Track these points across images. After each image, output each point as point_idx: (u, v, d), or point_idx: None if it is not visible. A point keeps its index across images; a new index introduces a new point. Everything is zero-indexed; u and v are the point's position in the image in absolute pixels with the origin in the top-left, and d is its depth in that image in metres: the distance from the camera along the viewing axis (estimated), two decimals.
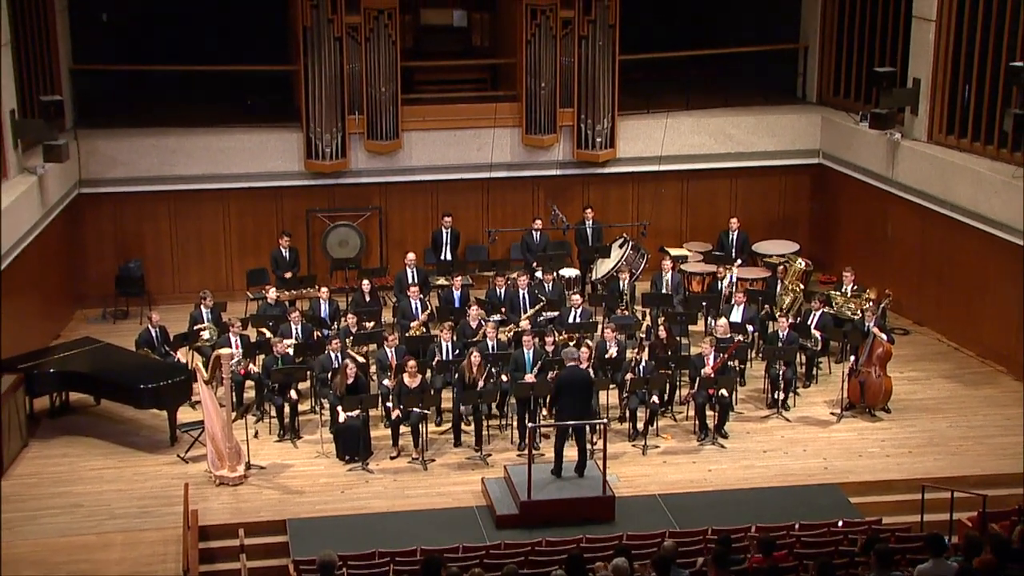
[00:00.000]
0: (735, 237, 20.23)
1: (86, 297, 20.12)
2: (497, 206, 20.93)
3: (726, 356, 16.33)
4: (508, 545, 13.08)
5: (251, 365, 16.85)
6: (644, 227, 20.55)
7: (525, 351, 16.18)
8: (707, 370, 16.18)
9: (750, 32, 22.96)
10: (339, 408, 15.58)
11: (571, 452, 15.05)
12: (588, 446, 15.26)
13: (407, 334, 17.48)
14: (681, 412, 16.74)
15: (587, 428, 15.13)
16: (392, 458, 15.70)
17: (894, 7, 20.28)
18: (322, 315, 17.96)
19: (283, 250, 19.50)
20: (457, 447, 15.92)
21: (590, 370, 15.97)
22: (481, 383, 15.87)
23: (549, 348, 16.38)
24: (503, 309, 18.04)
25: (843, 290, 18.42)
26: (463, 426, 16.07)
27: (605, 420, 15.37)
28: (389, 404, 15.87)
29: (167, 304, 19.66)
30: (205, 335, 17.37)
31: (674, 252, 19.99)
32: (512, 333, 17.26)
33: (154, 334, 17.28)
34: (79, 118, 20.34)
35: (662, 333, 16.89)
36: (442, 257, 19.90)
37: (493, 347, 16.54)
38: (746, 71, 22.63)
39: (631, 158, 20.95)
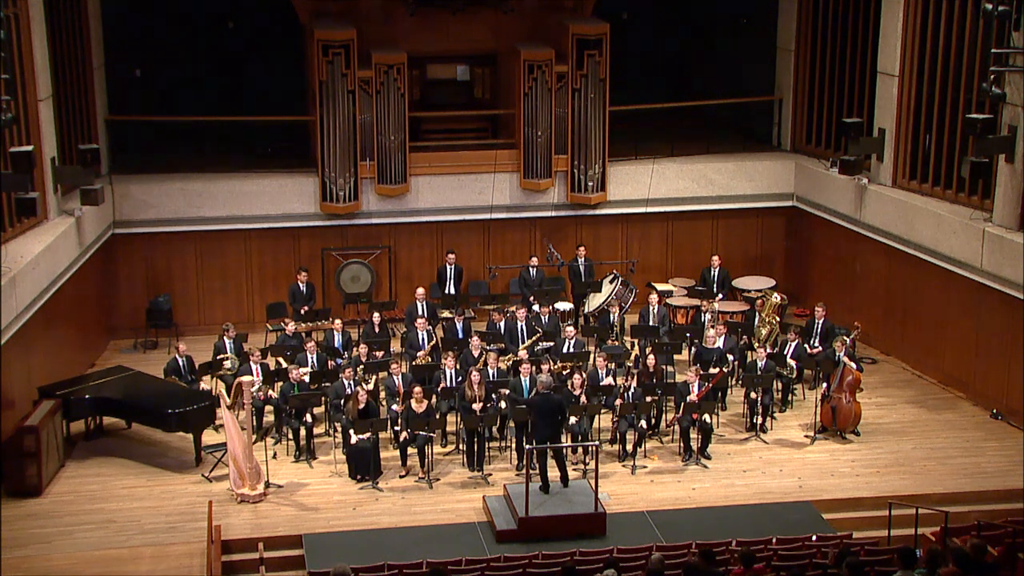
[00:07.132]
0: (716, 273, 20.25)
1: (119, 329, 20.09)
2: (497, 245, 20.93)
3: (710, 385, 16.29)
4: (507, 558, 13.04)
5: (270, 391, 16.82)
6: (632, 264, 20.60)
7: (522, 379, 16.10)
8: (692, 396, 16.15)
9: (729, 85, 23.04)
10: (351, 431, 15.56)
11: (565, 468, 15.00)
12: (582, 465, 15.17)
13: (414, 363, 17.45)
14: (667, 435, 16.71)
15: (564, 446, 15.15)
16: (400, 477, 15.67)
17: (861, 63, 20.36)
18: (336, 345, 17.93)
19: (300, 285, 19.48)
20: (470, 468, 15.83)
21: (582, 397, 15.99)
22: (479, 404, 15.83)
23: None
24: (503, 340, 18.02)
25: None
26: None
27: (596, 442, 15.30)
28: (397, 428, 15.84)
29: (193, 335, 19.60)
30: (228, 364, 17.34)
31: (660, 287, 19.98)
32: (511, 362, 17.22)
33: (181, 363, 17.27)
34: (113, 165, 20.36)
35: (651, 361, 16.88)
36: (446, 292, 19.89)
37: (493, 375, 16.51)
38: (726, 121, 22.71)
39: (620, 201, 20.98)
